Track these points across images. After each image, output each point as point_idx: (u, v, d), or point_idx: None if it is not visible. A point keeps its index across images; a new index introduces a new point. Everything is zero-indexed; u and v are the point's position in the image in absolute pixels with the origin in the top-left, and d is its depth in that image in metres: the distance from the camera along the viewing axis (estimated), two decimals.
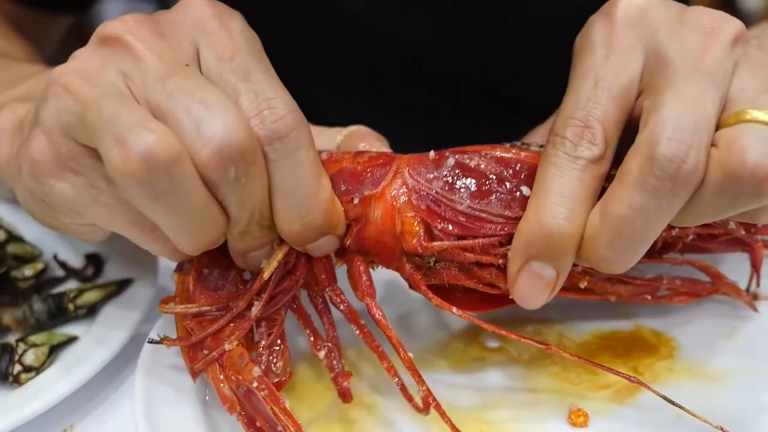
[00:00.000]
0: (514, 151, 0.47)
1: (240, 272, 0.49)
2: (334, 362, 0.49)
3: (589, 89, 0.43)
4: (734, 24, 0.43)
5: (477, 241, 0.46)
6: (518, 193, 0.46)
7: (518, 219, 0.44)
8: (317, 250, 0.47)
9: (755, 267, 0.55)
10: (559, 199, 0.42)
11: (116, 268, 0.63)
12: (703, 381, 0.51)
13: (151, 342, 0.49)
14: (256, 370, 0.45)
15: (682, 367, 0.53)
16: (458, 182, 0.47)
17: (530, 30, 0.85)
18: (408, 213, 0.47)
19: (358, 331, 0.48)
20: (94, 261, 0.64)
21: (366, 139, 0.52)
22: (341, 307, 0.49)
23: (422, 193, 0.47)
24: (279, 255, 0.46)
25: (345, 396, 0.49)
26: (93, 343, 0.55)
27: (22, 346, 0.55)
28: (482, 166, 0.47)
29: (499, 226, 0.46)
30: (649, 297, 0.53)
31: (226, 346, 0.46)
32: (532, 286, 0.44)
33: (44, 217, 0.49)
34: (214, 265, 0.49)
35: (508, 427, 0.49)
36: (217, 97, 0.41)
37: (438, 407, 0.46)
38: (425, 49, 0.84)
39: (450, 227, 0.46)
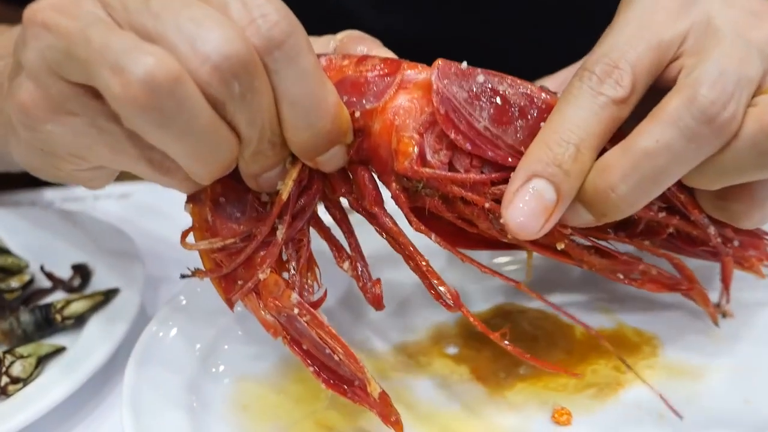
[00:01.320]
0: (540, 90, 0.46)
1: (257, 196, 0.48)
2: (360, 271, 0.49)
3: (628, 34, 0.43)
4: None
5: (469, 176, 0.45)
6: (534, 130, 0.45)
7: None
8: (328, 162, 0.45)
9: (725, 282, 0.55)
10: (573, 127, 0.42)
11: (103, 278, 0.63)
12: (685, 378, 0.52)
13: (183, 276, 0.49)
14: (294, 297, 0.46)
15: (664, 365, 0.53)
16: (482, 100, 0.45)
17: (518, 23, 0.85)
18: (406, 132, 0.46)
19: (384, 234, 0.48)
20: (81, 272, 0.65)
21: (363, 43, 0.50)
22: (362, 210, 0.49)
23: (445, 97, 0.45)
24: (293, 173, 0.45)
25: (377, 303, 0.49)
26: (80, 354, 0.55)
27: (9, 358, 0.55)
28: (509, 92, 0.45)
29: (507, 157, 0.45)
30: (621, 276, 0.51)
31: (260, 276, 0.46)
32: (531, 206, 0.42)
33: (46, 168, 0.47)
34: (229, 192, 0.48)
35: (492, 426, 0.50)
36: (205, 12, 0.40)
37: (464, 307, 0.47)
38: (411, 42, 0.84)
39: (461, 139, 0.45)
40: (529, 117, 0.45)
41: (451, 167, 0.46)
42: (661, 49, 0.43)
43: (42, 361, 0.56)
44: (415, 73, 0.47)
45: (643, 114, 0.42)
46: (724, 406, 0.50)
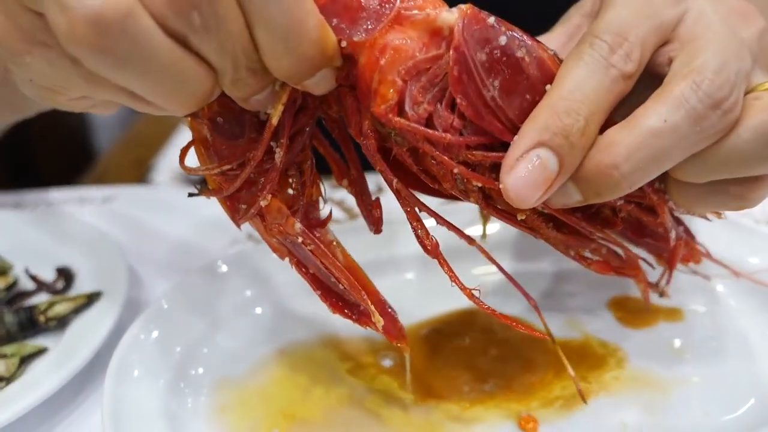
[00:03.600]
0: (554, 58, 0.44)
1: (255, 114, 0.45)
2: (359, 188, 0.48)
3: (635, 9, 0.42)
4: (759, 16, 0.46)
5: (445, 136, 0.42)
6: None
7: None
8: (316, 87, 0.42)
9: (670, 264, 0.53)
10: (584, 97, 0.40)
11: (86, 281, 0.65)
12: (648, 390, 0.54)
13: (191, 195, 0.47)
14: (297, 226, 0.46)
15: (629, 376, 0.55)
16: (498, 67, 0.42)
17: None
18: (389, 75, 0.42)
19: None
20: (65, 274, 0.66)
21: None
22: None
23: (463, 56, 0.41)
24: (283, 97, 0.42)
25: (376, 224, 0.49)
26: (63, 355, 0.56)
27: None
28: (525, 60, 0.42)
29: (503, 129, 0.43)
30: (573, 253, 0.50)
31: (262, 203, 0.45)
32: (533, 175, 0.40)
33: (43, 98, 0.45)
34: (226, 111, 0.45)
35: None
36: None
37: (441, 256, 0.47)
38: None
39: (465, 104, 0.42)
40: (533, 91, 0.42)
41: (429, 123, 0.43)
42: (662, 29, 0.43)
43: (25, 361, 0.57)
44: (414, 7, 0.42)
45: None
46: (684, 417, 0.52)
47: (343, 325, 0.61)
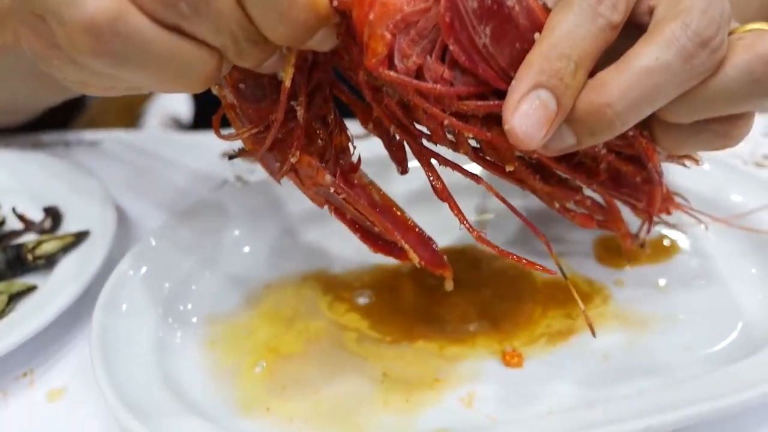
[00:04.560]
0: (543, 7, 0.44)
1: (273, 77, 0.47)
2: (383, 130, 0.49)
3: None
4: None
5: (436, 87, 0.43)
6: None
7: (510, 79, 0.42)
8: (319, 45, 0.43)
9: (650, 211, 0.54)
10: (573, 44, 0.41)
11: (74, 221, 0.65)
12: (631, 326, 0.55)
13: (231, 158, 0.51)
14: (328, 177, 0.48)
15: (613, 313, 0.56)
16: (488, 14, 0.42)
17: None
18: (378, 29, 0.43)
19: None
20: (52, 214, 0.66)
21: None
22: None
23: (454, 2, 0.42)
24: (291, 59, 0.44)
25: (403, 165, 0.51)
26: (51, 292, 0.57)
27: None
28: (515, 9, 0.43)
29: (496, 77, 0.43)
30: (557, 205, 0.52)
31: (292, 159, 0.48)
32: (537, 114, 0.41)
33: (79, 89, 0.47)
34: (247, 77, 0.47)
35: (444, 368, 0.52)
36: None
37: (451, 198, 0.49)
38: None
39: (458, 51, 0.43)
40: (522, 40, 0.43)
41: (419, 75, 0.44)
42: None
43: (14, 298, 0.58)
44: None
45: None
46: (666, 352, 0.52)
47: (329, 260, 0.62)
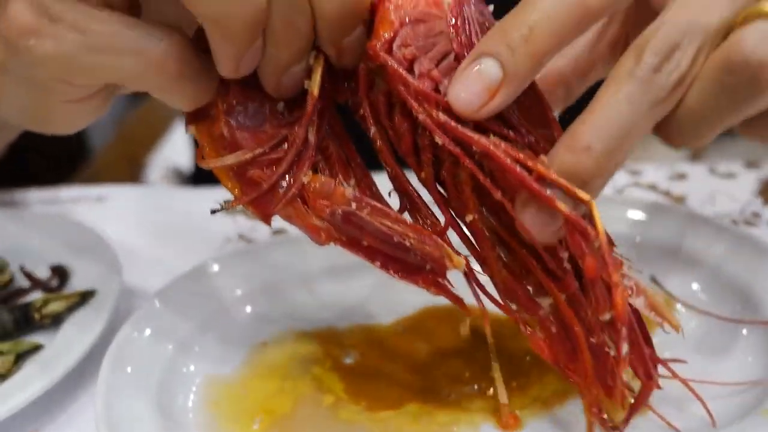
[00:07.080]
0: None
1: (273, 106, 0.46)
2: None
3: None
4: None
5: (422, 84, 0.44)
6: None
7: None
8: (352, 46, 0.45)
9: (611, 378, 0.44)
10: (532, 9, 0.41)
11: (80, 280, 0.66)
12: None
13: (214, 212, 0.47)
14: (349, 191, 0.46)
15: None
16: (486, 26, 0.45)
17: None
18: (389, 16, 0.45)
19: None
20: (59, 272, 0.67)
21: None
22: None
23: (461, 5, 0.45)
24: (319, 68, 0.45)
25: None
26: (57, 352, 0.57)
27: None
28: None
29: None
30: (514, 307, 0.47)
31: (304, 179, 0.45)
32: (475, 82, 0.41)
33: (34, 107, 0.47)
34: (245, 102, 0.46)
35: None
36: None
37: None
38: None
39: (460, 54, 0.44)
40: None
41: (410, 68, 0.44)
42: None
43: (20, 357, 0.59)
44: None
45: None
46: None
47: (330, 316, 0.63)
